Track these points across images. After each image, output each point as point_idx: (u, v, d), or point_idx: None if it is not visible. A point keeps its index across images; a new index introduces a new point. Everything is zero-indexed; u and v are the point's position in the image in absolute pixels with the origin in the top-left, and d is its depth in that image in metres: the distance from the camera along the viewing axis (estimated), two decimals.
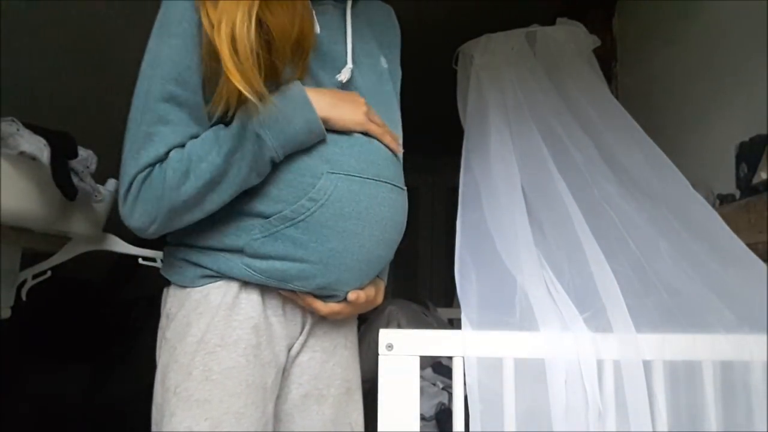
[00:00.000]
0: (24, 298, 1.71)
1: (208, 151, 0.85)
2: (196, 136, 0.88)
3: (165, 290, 0.99)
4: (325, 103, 0.90)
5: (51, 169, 1.35)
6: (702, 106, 1.63)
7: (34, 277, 1.73)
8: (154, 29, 0.89)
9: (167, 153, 0.86)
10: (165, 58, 0.86)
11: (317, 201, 0.89)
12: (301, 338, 1.00)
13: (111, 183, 1.75)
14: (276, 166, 0.90)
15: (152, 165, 0.86)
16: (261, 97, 0.81)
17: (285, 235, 0.90)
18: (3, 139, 1.27)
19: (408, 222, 1.04)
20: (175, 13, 0.87)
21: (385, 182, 0.96)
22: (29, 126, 1.35)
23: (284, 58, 0.87)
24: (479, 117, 1.46)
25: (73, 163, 1.48)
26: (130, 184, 0.86)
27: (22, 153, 1.29)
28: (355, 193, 0.92)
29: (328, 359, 1.03)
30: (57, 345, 2.69)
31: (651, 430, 0.84)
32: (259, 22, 0.83)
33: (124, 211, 0.89)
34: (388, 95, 1.08)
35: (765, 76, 1.34)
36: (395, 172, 1.00)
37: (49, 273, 1.76)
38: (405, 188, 1.03)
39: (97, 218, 1.69)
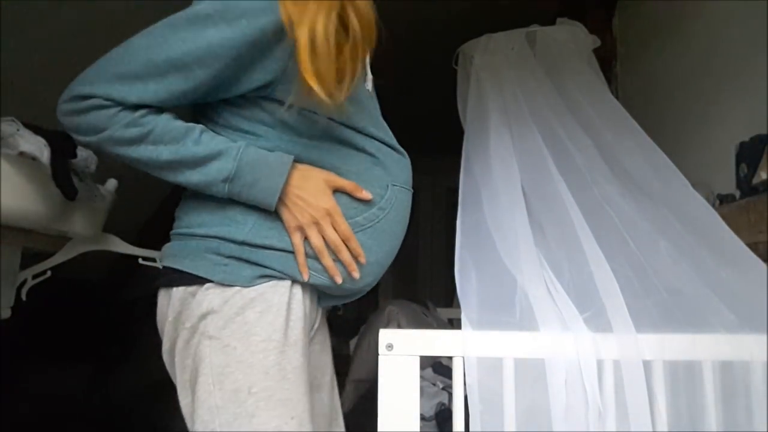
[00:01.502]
0: (24, 298, 1.71)
1: (169, 141, 0.86)
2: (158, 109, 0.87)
3: (183, 289, 0.91)
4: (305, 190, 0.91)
5: (51, 169, 1.35)
6: (702, 106, 1.63)
7: (34, 277, 1.74)
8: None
9: (135, 106, 0.85)
10: (207, 38, 0.84)
11: (385, 210, 0.97)
12: (312, 333, 1.03)
13: (111, 183, 1.75)
14: (342, 173, 0.94)
15: (115, 102, 0.84)
16: (332, 97, 0.85)
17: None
18: (3, 139, 1.27)
19: (408, 222, 1.05)
20: (252, 10, 0.84)
21: (410, 190, 1.05)
22: (29, 126, 1.35)
23: (360, 57, 0.90)
24: (479, 117, 1.46)
25: (73, 163, 1.48)
26: (88, 96, 0.84)
27: (22, 153, 1.29)
28: (403, 201, 1.00)
29: (322, 349, 1.09)
30: (57, 345, 2.69)
31: (651, 430, 0.84)
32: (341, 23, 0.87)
33: (62, 106, 0.87)
34: (379, 109, 1.09)
35: (765, 76, 1.34)
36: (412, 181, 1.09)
37: (49, 273, 1.76)
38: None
39: (97, 218, 1.69)
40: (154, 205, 2.99)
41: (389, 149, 1.01)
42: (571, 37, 1.58)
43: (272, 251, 0.92)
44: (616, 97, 1.75)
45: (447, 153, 1.85)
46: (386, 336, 0.89)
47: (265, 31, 0.84)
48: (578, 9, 2.07)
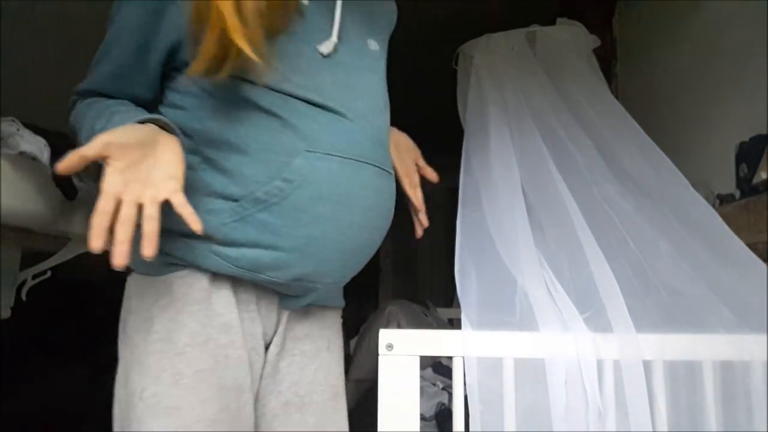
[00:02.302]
0: (24, 298, 1.71)
1: (80, 124, 0.87)
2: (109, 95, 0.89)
3: (128, 278, 0.90)
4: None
5: (51, 169, 1.35)
6: (702, 106, 1.63)
7: (34, 277, 1.74)
8: None
9: (87, 92, 0.90)
10: (119, 18, 0.87)
11: (292, 182, 0.82)
12: (278, 338, 0.93)
13: None
14: (247, 142, 0.83)
15: (77, 94, 0.91)
16: (262, 56, 0.78)
17: (257, 220, 0.82)
18: (3, 139, 1.27)
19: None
20: None
21: (370, 164, 0.89)
22: (29, 126, 1.35)
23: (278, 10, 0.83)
24: (479, 117, 1.46)
25: None
26: (74, 93, 0.92)
27: (22, 153, 1.30)
28: (335, 174, 0.84)
29: (310, 363, 0.96)
30: (57, 345, 2.69)
31: (651, 430, 0.84)
32: None
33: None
34: (372, 78, 0.97)
35: (765, 76, 1.34)
36: (382, 154, 0.92)
37: (49, 273, 1.76)
38: (392, 172, 0.97)
39: None
40: None
41: (319, 110, 0.85)
42: (571, 37, 1.58)
43: (176, 236, 0.83)
44: (616, 97, 1.74)
45: (447, 153, 1.85)
46: (386, 336, 0.89)
47: None
48: (578, 9, 2.07)
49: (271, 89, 0.83)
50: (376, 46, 1.00)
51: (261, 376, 0.92)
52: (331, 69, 0.89)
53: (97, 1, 0.91)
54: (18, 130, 1.31)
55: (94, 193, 1.70)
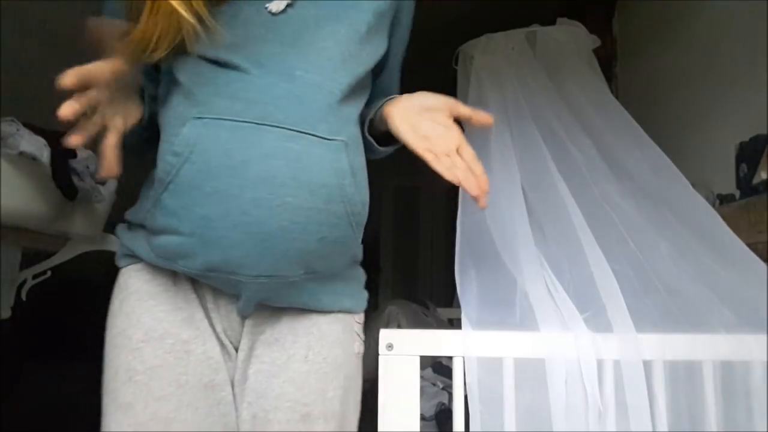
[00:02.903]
0: (24, 298, 1.71)
1: None
2: None
3: None
4: None
5: (51, 169, 1.35)
6: (702, 106, 1.63)
7: (34, 277, 1.74)
8: None
9: None
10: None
11: (180, 155, 0.72)
12: (246, 340, 0.84)
13: (111, 183, 1.75)
14: (164, 120, 0.79)
15: None
16: (201, 20, 0.71)
17: (162, 203, 0.75)
18: (3, 139, 1.27)
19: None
20: None
21: (278, 127, 0.73)
22: (29, 126, 1.35)
23: None
24: None
25: (73, 163, 1.48)
26: None
27: (22, 153, 1.30)
28: (224, 141, 0.72)
29: (277, 374, 0.82)
30: (57, 345, 2.69)
31: (651, 430, 0.84)
32: None
33: None
34: (337, 27, 0.82)
35: (765, 76, 1.34)
36: (303, 115, 0.75)
37: (49, 273, 1.76)
38: (334, 139, 0.78)
39: (97, 218, 1.69)
40: None
41: (222, 69, 0.75)
42: (571, 37, 1.58)
43: (131, 226, 0.82)
44: (616, 97, 1.75)
45: None
46: (386, 336, 0.89)
47: None
48: (578, 9, 2.07)
49: (188, 55, 0.76)
50: None
51: (234, 384, 0.84)
52: (277, 25, 0.78)
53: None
54: (18, 130, 1.31)
55: (94, 194, 1.70)
